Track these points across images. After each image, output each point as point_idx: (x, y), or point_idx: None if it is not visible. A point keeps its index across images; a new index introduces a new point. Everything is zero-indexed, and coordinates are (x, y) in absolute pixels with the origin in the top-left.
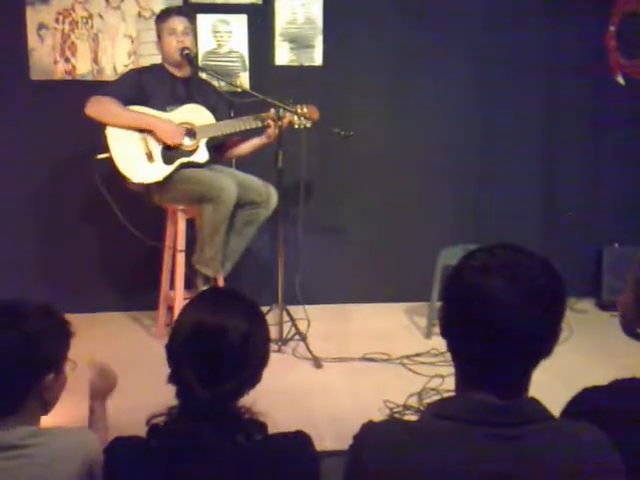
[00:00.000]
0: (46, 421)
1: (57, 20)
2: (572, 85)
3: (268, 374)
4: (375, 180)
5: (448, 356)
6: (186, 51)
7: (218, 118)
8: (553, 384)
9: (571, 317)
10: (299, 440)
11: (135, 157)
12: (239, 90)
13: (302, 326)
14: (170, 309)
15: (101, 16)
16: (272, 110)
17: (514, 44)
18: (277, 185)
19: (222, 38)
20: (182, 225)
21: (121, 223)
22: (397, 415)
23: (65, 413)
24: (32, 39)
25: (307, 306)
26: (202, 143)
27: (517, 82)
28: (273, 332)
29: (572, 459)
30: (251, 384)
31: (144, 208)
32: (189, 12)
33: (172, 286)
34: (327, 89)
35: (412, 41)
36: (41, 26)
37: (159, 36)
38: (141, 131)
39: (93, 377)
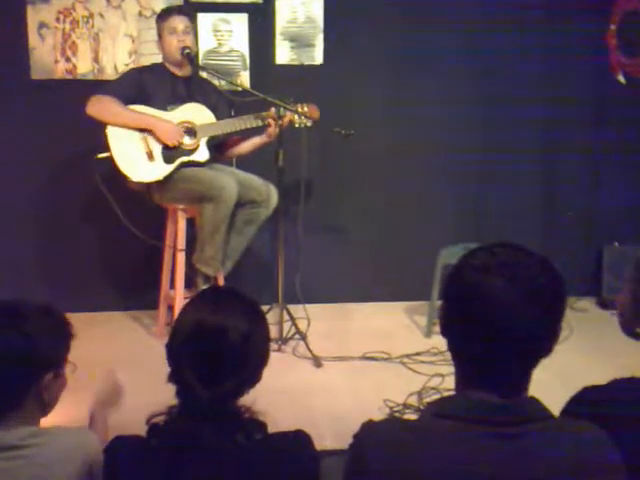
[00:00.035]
0: (46, 421)
1: (58, 19)
2: (572, 84)
3: (268, 373)
4: (375, 179)
5: (448, 355)
6: (187, 50)
7: (219, 117)
8: (553, 383)
9: (571, 316)
10: (299, 439)
11: (135, 156)
12: (239, 89)
13: (302, 325)
14: (170, 308)
15: (102, 15)
16: (272, 109)
17: (514, 44)
18: (277, 184)
19: (223, 37)
20: (182, 224)
21: (121, 222)
22: (397, 414)
23: (65, 413)
24: (33, 38)
25: (307, 305)
26: (203, 142)
27: (517, 82)
28: (273, 331)
29: (572, 458)
30: (251, 383)
31: (144, 207)
32: (190, 11)
33: (172, 285)
34: (327, 88)
35: (412, 41)
36: (42, 25)
37: (160, 35)
38: (141, 130)
39: (102, 388)
